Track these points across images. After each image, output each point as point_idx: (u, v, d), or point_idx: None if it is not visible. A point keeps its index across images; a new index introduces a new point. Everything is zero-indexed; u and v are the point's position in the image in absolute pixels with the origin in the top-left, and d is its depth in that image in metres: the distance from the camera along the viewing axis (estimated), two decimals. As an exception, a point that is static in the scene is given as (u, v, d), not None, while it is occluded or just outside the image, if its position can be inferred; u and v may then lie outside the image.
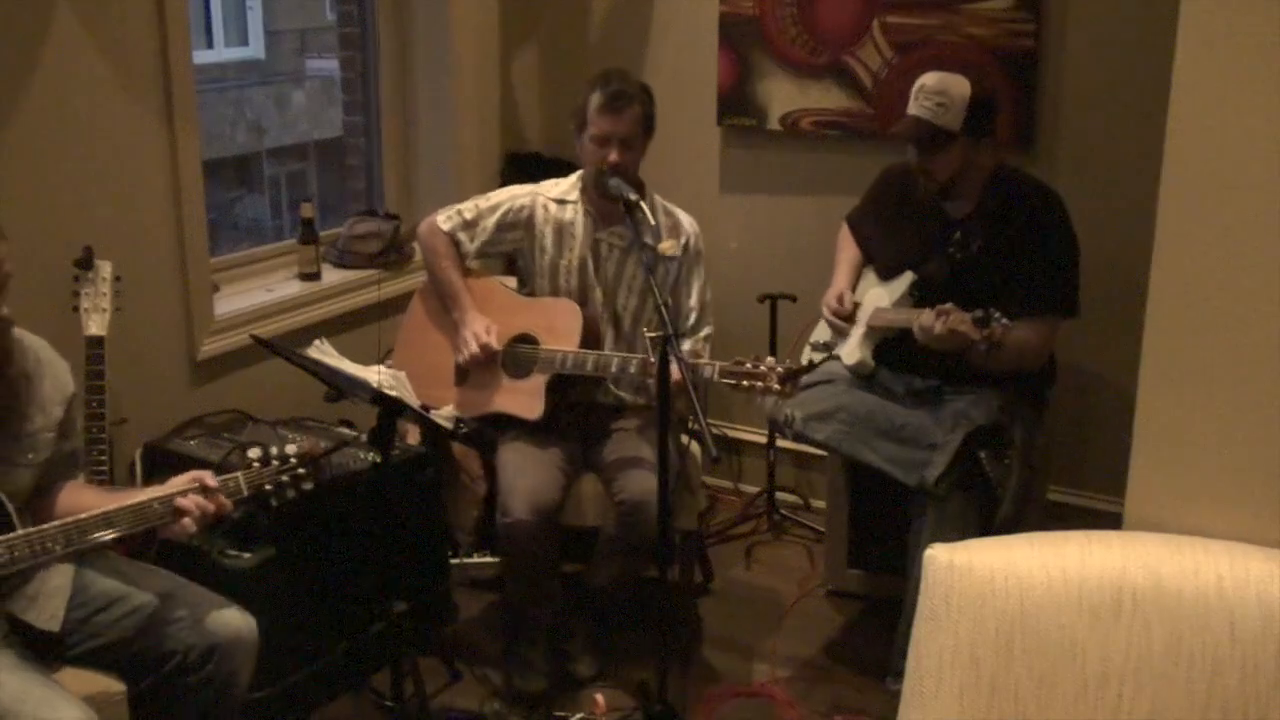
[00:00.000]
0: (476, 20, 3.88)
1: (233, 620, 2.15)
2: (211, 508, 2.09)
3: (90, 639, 2.13)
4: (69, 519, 1.99)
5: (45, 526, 1.96)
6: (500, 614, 3.21)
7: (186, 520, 2.06)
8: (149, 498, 2.08)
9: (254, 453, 2.21)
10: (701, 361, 2.69)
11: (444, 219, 3.08)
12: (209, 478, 2.11)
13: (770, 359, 2.56)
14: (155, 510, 2.06)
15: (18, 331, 2.11)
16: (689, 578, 3.32)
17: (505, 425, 2.99)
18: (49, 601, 2.06)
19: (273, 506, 2.21)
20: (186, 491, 2.08)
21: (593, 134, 2.91)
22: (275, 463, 2.19)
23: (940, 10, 3.45)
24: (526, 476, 2.83)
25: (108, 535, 2.01)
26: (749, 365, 2.56)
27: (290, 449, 2.22)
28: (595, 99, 2.90)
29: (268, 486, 2.18)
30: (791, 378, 2.52)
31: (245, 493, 2.15)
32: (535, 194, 3.08)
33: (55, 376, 2.17)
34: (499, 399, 2.99)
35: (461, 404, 3.00)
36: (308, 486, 2.22)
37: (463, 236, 3.06)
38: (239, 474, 2.16)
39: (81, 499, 2.16)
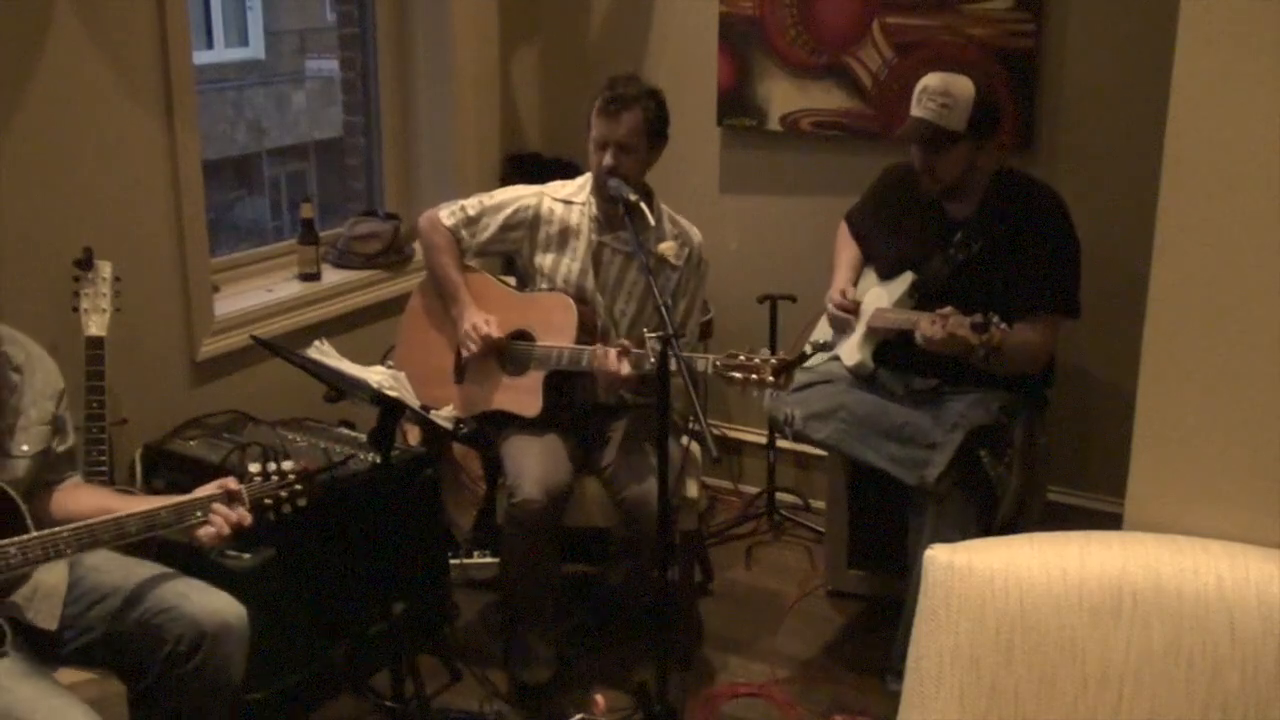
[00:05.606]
0: (476, 20, 3.88)
1: (220, 608, 2.15)
2: (233, 518, 2.12)
3: (85, 633, 2.13)
4: (94, 520, 2.00)
5: (59, 529, 1.97)
6: (499, 609, 3.21)
7: (210, 529, 2.10)
8: (176, 502, 2.09)
9: (254, 467, 2.24)
10: (698, 355, 2.69)
11: (447, 214, 3.07)
12: (233, 483, 2.15)
13: (765, 350, 2.57)
14: (165, 517, 2.07)
15: (4, 329, 2.12)
16: (689, 578, 3.32)
17: (504, 423, 2.99)
18: (46, 600, 2.06)
19: (270, 521, 2.23)
20: (215, 498, 2.12)
21: (592, 136, 2.91)
22: (275, 478, 2.22)
23: (940, 10, 3.45)
24: (536, 460, 2.84)
25: (126, 540, 2.03)
26: (743, 358, 2.57)
27: (287, 465, 2.26)
28: (597, 102, 2.90)
29: (267, 500, 2.21)
30: (786, 369, 2.52)
31: (248, 506, 2.18)
32: (541, 194, 3.07)
33: (46, 372, 2.18)
34: (498, 396, 2.99)
35: (461, 402, 3.00)
36: (301, 504, 2.26)
37: (465, 233, 3.05)
38: (243, 488, 2.19)
39: (80, 498, 2.17)
